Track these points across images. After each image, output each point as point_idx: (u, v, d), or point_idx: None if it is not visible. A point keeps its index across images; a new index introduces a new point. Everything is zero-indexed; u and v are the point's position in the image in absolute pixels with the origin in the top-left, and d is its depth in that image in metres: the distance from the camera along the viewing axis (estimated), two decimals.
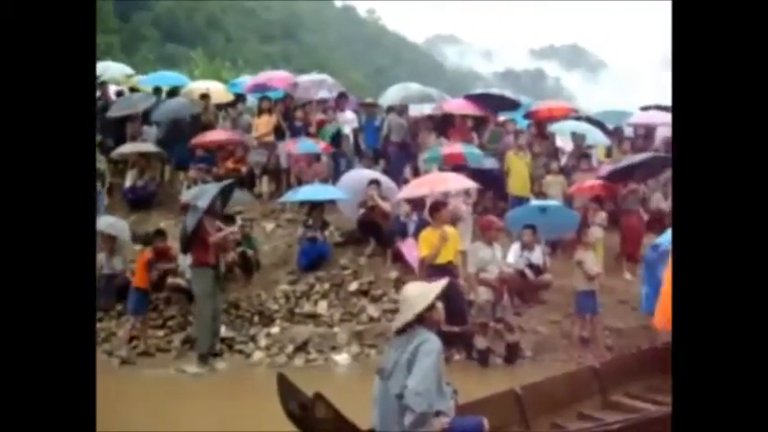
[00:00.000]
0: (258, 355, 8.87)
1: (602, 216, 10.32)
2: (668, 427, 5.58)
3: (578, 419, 5.85)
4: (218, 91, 15.16)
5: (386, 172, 11.85)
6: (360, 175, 11.26)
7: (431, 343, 4.25)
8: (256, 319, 9.50)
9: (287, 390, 4.21)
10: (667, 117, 14.30)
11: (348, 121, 13.24)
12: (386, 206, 10.38)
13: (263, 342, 9.04)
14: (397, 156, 12.53)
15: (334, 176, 12.16)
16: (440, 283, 4.58)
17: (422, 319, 4.37)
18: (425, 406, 4.10)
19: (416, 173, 11.72)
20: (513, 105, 13.77)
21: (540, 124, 13.48)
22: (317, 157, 12.51)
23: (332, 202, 11.26)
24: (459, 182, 10.07)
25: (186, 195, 11.03)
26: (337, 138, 12.85)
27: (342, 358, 8.68)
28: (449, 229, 8.38)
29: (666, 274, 7.10)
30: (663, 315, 7.03)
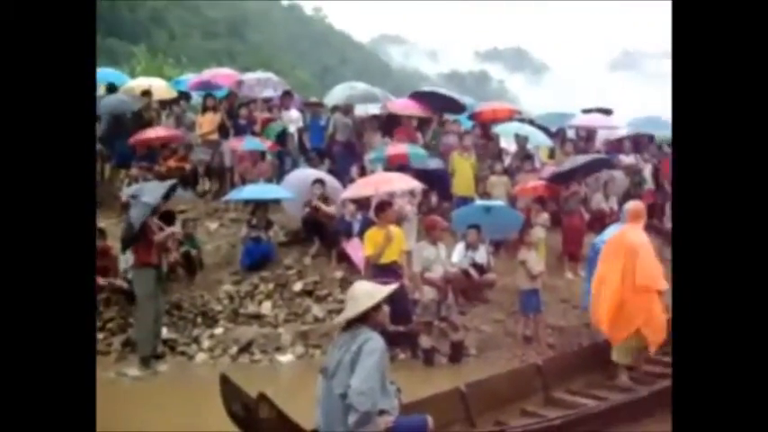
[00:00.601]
0: (201, 356, 8.73)
1: (544, 216, 10.48)
2: (608, 422, 5.74)
3: (521, 416, 5.94)
4: (161, 88, 14.88)
5: (331, 171, 11.82)
6: (304, 174, 11.21)
7: (374, 342, 4.26)
8: (199, 320, 9.35)
9: (230, 391, 4.16)
10: (608, 120, 14.69)
11: (293, 119, 13.15)
12: (330, 210, 10.36)
13: (206, 343, 8.90)
14: (343, 155, 12.52)
15: (279, 176, 12.06)
16: (389, 287, 4.62)
17: (366, 319, 4.38)
18: (369, 405, 4.10)
19: (362, 173, 11.71)
20: (458, 107, 13.89)
21: (485, 125, 13.66)
22: (261, 156, 12.39)
23: (276, 202, 11.17)
24: (404, 182, 10.09)
25: (127, 193, 10.79)
26: (282, 137, 12.76)
27: (286, 359, 8.61)
28: (394, 228, 8.39)
29: (597, 274, 7.26)
30: (594, 313, 7.20)
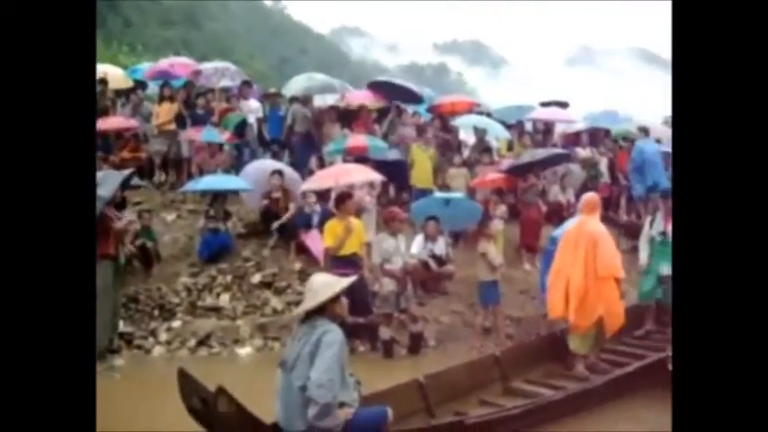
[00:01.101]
0: (158, 350, 8.61)
1: (502, 208, 10.58)
2: (564, 411, 5.84)
3: (480, 406, 6.01)
4: (117, 76, 14.55)
5: (290, 163, 11.75)
6: (263, 165, 11.12)
7: (333, 334, 4.26)
8: (156, 313, 9.21)
9: (188, 385, 4.11)
10: (565, 113, 14.89)
11: (252, 110, 13.03)
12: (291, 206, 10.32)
13: (163, 337, 8.78)
14: (301, 146, 12.45)
15: (238, 166, 11.93)
16: (348, 279, 4.63)
17: (325, 310, 4.38)
18: (329, 397, 4.10)
19: (321, 164, 11.66)
20: (415, 98, 13.93)
21: (444, 118, 13.71)
22: (219, 147, 12.25)
23: (234, 193, 11.06)
24: (363, 174, 10.07)
25: None
26: (241, 127, 12.62)
27: (245, 351, 8.55)
28: (353, 220, 8.37)
29: (554, 265, 7.37)
30: (550, 303, 7.32)
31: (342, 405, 4.26)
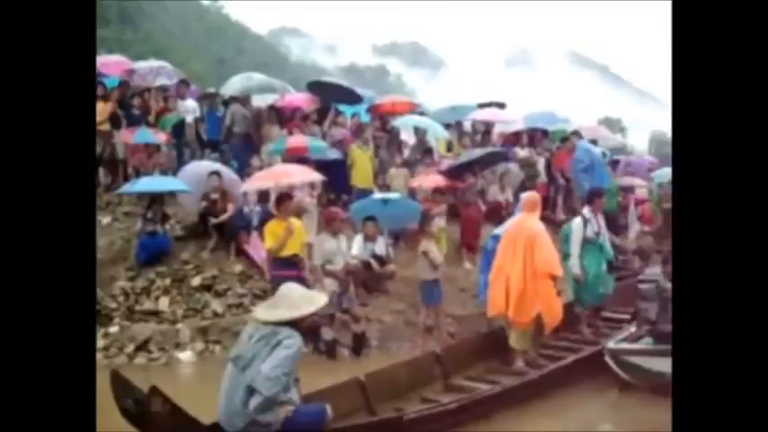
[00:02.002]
0: (96, 356, 8.39)
1: (442, 208, 10.67)
2: (502, 404, 5.93)
3: (421, 403, 6.04)
4: None
5: (228, 163, 11.60)
6: (201, 166, 10.95)
7: (295, 339, 4.36)
8: None
9: (121, 387, 4.04)
10: (504, 114, 15.12)
11: (189, 110, 12.81)
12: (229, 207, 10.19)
13: (100, 342, 8.55)
14: (240, 147, 12.29)
15: (177, 167, 11.72)
16: (322, 298, 4.80)
17: (294, 321, 4.47)
18: (274, 391, 4.13)
19: (260, 165, 11.56)
20: (355, 98, 13.94)
21: (384, 118, 13.75)
22: (157, 148, 12.01)
23: (172, 195, 10.86)
24: (304, 174, 10.02)
25: None
26: (179, 127, 12.40)
27: (186, 356, 8.40)
28: (294, 221, 8.33)
29: (495, 263, 7.49)
30: (492, 301, 7.43)
31: (282, 404, 4.29)
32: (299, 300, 4.57)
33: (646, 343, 6.92)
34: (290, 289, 4.72)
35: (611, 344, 6.92)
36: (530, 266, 7.03)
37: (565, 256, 8.10)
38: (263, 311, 4.62)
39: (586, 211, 8.47)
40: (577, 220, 8.43)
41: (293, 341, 4.32)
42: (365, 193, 11.38)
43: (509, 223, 8.18)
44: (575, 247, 8.27)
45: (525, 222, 7.34)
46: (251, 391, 4.21)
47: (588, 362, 6.92)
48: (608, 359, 6.68)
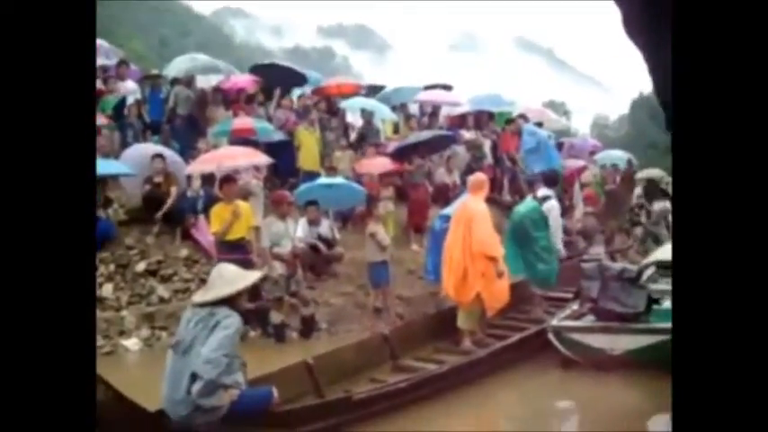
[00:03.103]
0: None
1: (390, 190, 10.69)
2: (449, 383, 6.00)
3: (370, 384, 6.06)
4: None
5: (170, 145, 11.37)
6: (143, 149, 10.70)
7: (233, 319, 4.32)
8: None
9: None
10: (450, 96, 15.19)
11: (130, 91, 12.50)
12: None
13: None
14: (185, 129, 12.07)
15: (120, 150, 11.41)
16: (256, 273, 4.85)
17: (229, 300, 4.43)
18: (214, 374, 4.11)
19: (206, 147, 11.37)
20: (299, 79, 13.82)
21: (330, 100, 13.68)
22: (98, 130, 11.67)
23: (115, 178, 10.59)
24: (248, 157, 9.89)
25: None
26: (120, 109, 12.09)
27: (131, 343, 8.24)
28: (241, 204, 8.23)
29: (446, 245, 7.54)
30: (446, 282, 7.49)
31: (227, 387, 4.26)
32: (233, 277, 4.53)
33: (588, 320, 7.07)
34: (224, 268, 4.68)
35: (554, 322, 7.05)
36: (469, 247, 7.11)
37: (537, 239, 8.11)
38: (199, 295, 4.59)
39: (548, 191, 8.56)
40: (554, 202, 8.49)
41: (231, 321, 4.29)
42: (312, 175, 11.31)
43: (456, 204, 8.25)
44: (558, 230, 8.40)
45: (468, 204, 7.42)
46: (193, 376, 4.17)
47: (533, 340, 7.04)
48: (551, 336, 6.81)
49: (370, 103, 13.33)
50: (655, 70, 3.76)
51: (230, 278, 4.51)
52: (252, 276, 4.63)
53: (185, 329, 4.39)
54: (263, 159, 10.12)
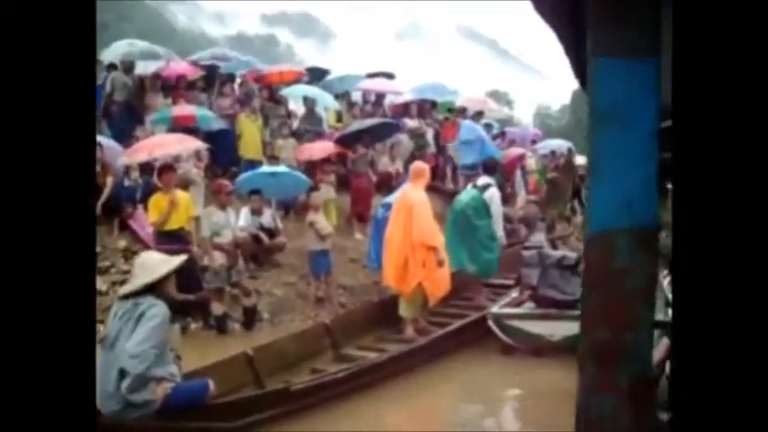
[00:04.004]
0: None
1: (332, 178, 10.63)
2: (390, 371, 6.01)
3: (311, 374, 6.04)
4: None
5: (102, 133, 11.04)
6: None
7: (158, 308, 4.19)
8: None
9: None
10: (393, 84, 15.19)
11: None
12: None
13: None
14: (121, 116, 11.73)
15: None
16: (180, 257, 4.60)
17: (153, 289, 4.31)
18: (141, 368, 4.00)
19: (145, 135, 11.09)
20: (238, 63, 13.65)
21: (272, 88, 13.50)
22: None
23: None
24: (182, 144, 9.63)
25: None
26: None
27: None
28: (179, 193, 8.06)
29: (386, 234, 7.54)
30: (386, 272, 7.49)
31: (160, 380, 4.16)
32: (156, 264, 4.40)
33: (527, 308, 7.17)
34: (146, 257, 4.58)
35: (494, 309, 7.12)
36: (410, 237, 7.13)
37: (479, 227, 8.12)
38: (126, 287, 4.48)
39: (488, 179, 8.60)
40: (494, 190, 8.50)
41: (156, 310, 4.15)
42: (254, 164, 11.16)
43: (398, 193, 8.25)
44: (499, 218, 8.45)
45: (408, 193, 7.43)
46: (122, 371, 4.06)
47: (474, 327, 7.10)
48: (491, 323, 6.87)
49: (313, 91, 13.22)
50: (569, 51, 3.78)
51: (152, 265, 4.38)
52: (174, 261, 4.46)
53: (111, 323, 4.28)
54: (196, 145, 9.87)
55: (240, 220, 9.06)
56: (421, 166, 7.83)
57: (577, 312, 6.80)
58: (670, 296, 7.58)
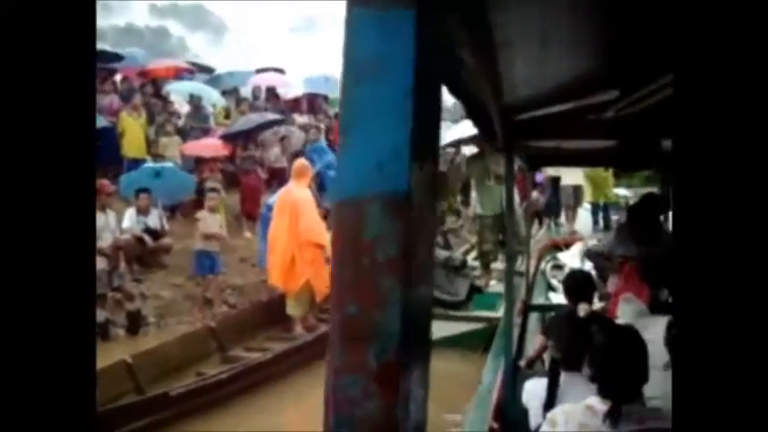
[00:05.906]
0: None
1: (219, 177, 10.44)
2: (280, 369, 5.97)
3: (197, 378, 5.92)
4: None
5: None
6: None
7: None
8: None
9: None
10: (283, 78, 15.04)
11: None
12: None
13: None
14: None
15: None
16: None
17: None
18: None
19: None
20: (115, 58, 13.08)
21: (156, 83, 13.10)
22: None
23: None
24: None
25: None
26: None
27: None
28: None
29: (270, 232, 7.48)
30: (271, 271, 7.45)
31: None
32: None
33: None
34: None
35: None
36: (296, 235, 7.11)
37: None
38: None
39: None
40: None
41: None
42: (138, 162, 10.78)
43: (280, 192, 8.19)
44: None
45: (292, 191, 7.40)
46: None
47: None
48: None
49: (198, 87, 12.93)
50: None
51: None
52: None
53: None
54: None
55: (125, 221, 8.76)
56: (303, 163, 7.81)
57: (458, 313, 6.95)
58: (552, 281, 7.90)
